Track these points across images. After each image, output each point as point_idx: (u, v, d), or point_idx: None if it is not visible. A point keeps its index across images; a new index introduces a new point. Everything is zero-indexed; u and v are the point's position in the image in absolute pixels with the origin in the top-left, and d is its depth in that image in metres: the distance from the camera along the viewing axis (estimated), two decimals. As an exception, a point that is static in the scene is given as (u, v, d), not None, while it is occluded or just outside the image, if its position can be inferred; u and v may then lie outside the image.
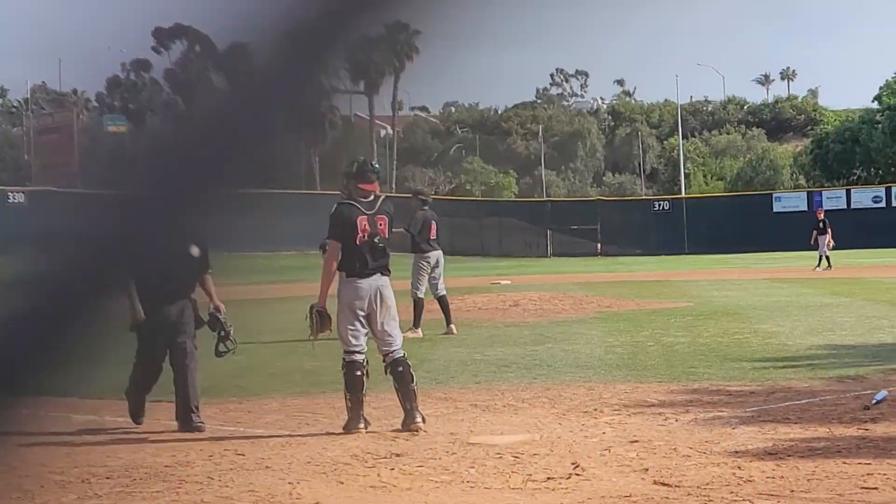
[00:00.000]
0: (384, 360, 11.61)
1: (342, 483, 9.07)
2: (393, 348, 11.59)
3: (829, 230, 47.41)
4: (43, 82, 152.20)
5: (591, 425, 11.53)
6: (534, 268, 61.98)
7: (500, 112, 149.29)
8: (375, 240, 11.49)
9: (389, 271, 11.73)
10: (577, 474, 9.16)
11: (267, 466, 9.84)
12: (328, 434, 11.53)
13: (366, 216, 11.55)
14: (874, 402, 11.96)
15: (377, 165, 12.34)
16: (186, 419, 11.80)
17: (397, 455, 10.12)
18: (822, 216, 48.96)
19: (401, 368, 11.52)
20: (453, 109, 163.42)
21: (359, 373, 11.49)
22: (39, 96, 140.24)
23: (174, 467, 9.94)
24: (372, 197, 11.75)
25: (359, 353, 11.54)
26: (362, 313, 11.48)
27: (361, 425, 11.37)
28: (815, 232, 47.90)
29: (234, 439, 11.43)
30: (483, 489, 8.79)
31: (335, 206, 11.82)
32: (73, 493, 9.02)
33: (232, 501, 8.52)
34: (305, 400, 14.09)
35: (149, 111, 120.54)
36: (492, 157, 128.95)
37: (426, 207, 21.02)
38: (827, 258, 46.81)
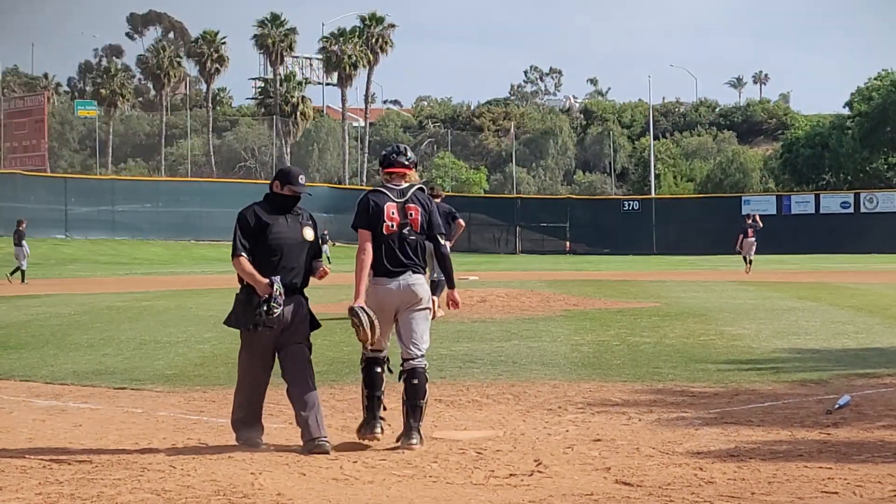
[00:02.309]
0: (402, 366, 10.37)
1: (305, 475, 9.06)
2: (414, 356, 10.32)
3: (750, 234, 48.56)
4: (15, 66, 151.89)
5: (555, 423, 11.54)
6: (502, 264, 62.11)
7: (472, 108, 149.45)
8: (405, 230, 10.27)
9: (423, 269, 10.45)
10: (540, 471, 9.17)
11: (229, 456, 9.81)
12: (291, 425, 11.50)
13: (395, 203, 10.33)
14: (837, 406, 12.01)
15: (407, 150, 10.68)
16: (311, 444, 10.05)
17: (360, 448, 10.12)
18: (750, 221, 49.86)
19: (415, 381, 10.27)
20: (426, 104, 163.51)
21: (378, 369, 10.41)
22: (11, 80, 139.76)
23: (136, 455, 9.91)
24: (405, 185, 10.44)
25: (380, 353, 10.44)
26: (391, 315, 10.35)
27: (378, 430, 10.31)
28: (741, 236, 49.00)
29: (198, 428, 11.40)
30: (445, 484, 8.79)
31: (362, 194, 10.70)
32: (34, 478, 8.99)
33: (194, 491, 8.49)
34: (269, 390, 14.01)
35: (120, 96, 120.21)
36: (463, 152, 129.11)
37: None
38: (749, 260, 47.93)
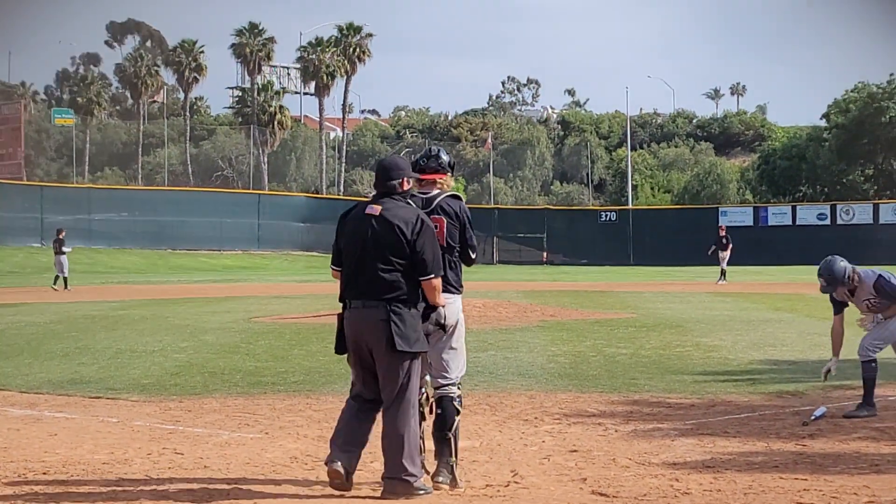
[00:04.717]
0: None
1: (280, 485, 9.04)
2: (444, 383, 9.20)
3: (730, 245, 49.73)
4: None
5: (531, 433, 11.55)
6: (479, 274, 62.01)
7: (450, 118, 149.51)
8: None
9: (457, 287, 9.31)
10: (516, 482, 9.17)
11: (205, 466, 9.80)
12: (267, 435, 11.49)
13: None
14: (813, 418, 12.04)
15: (440, 152, 9.59)
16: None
17: (336, 458, 10.09)
18: (723, 232, 51.09)
19: (440, 410, 9.15)
20: (403, 113, 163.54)
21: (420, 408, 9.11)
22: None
23: (112, 465, 9.88)
24: (434, 192, 9.35)
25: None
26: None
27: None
28: (714, 246, 50.27)
29: (174, 438, 11.37)
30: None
31: None
32: (9, 488, 8.96)
33: (169, 501, 8.48)
34: (245, 400, 14.04)
35: (96, 105, 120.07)
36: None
37: None
38: (723, 272, 48.96)
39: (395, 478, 8.62)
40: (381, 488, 8.68)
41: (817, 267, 13.11)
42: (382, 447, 8.73)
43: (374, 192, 9.08)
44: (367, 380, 8.83)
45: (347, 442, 8.72)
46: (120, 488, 8.90)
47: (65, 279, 44.85)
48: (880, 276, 12.76)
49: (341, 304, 8.88)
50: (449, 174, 9.60)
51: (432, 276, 8.75)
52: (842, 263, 12.74)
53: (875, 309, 12.95)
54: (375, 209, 8.79)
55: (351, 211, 9.05)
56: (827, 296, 13.22)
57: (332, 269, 9.11)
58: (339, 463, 8.62)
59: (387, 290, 8.67)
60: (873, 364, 12.83)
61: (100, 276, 61.37)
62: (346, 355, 8.91)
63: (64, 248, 45.58)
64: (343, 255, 8.88)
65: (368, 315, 8.67)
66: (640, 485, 9.03)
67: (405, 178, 8.97)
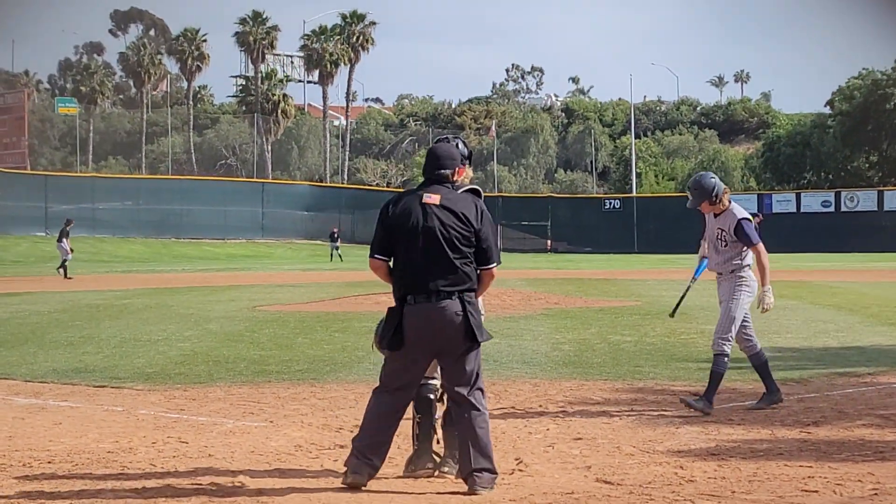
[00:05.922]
0: (441, 388, 9.05)
1: (285, 473, 9.05)
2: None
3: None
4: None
5: (536, 422, 11.54)
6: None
7: (454, 106, 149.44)
8: None
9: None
10: (521, 470, 9.17)
11: (210, 455, 9.79)
12: (272, 423, 11.49)
13: None
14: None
15: (458, 144, 9.08)
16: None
17: (341, 446, 10.08)
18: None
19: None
20: (407, 102, 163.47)
21: (431, 395, 9.05)
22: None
23: (117, 453, 9.88)
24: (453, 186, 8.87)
25: (431, 377, 9.02)
26: None
27: (430, 465, 8.97)
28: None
29: (178, 426, 11.37)
30: (425, 482, 8.78)
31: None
32: (14, 476, 8.96)
33: (174, 489, 8.48)
34: (250, 389, 14.04)
35: (100, 94, 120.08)
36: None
37: None
38: None
39: (485, 469, 8.47)
40: (468, 483, 8.43)
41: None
42: (463, 439, 8.50)
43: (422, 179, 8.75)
44: (411, 380, 8.66)
45: (375, 453, 8.52)
46: (125, 477, 8.91)
47: (59, 267, 45.07)
48: (747, 218, 12.63)
49: (398, 298, 8.57)
50: (467, 164, 9.22)
51: (494, 265, 8.67)
52: (713, 180, 12.56)
53: (719, 243, 12.80)
54: (434, 198, 8.47)
55: (400, 199, 8.59)
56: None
57: (377, 258, 8.64)
58: (363, 476, 8.48)
59: (460, 282, 8.47)
60: (759, 353, 12.66)
61: (104, 264, 61.43)
62: (389, 352, 8.64)
63: (64, 238, 45.88)
64: (398, 248, 8.50)
65: (443, 309, 8.41)
66: (644, 472, 9.02)
67: (458, 168, 8.74)
